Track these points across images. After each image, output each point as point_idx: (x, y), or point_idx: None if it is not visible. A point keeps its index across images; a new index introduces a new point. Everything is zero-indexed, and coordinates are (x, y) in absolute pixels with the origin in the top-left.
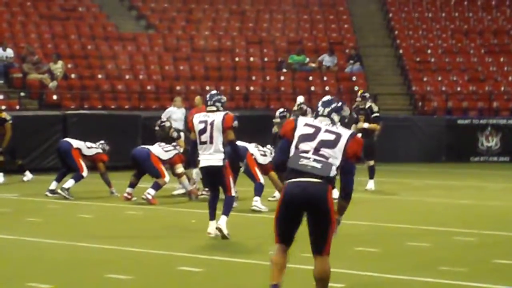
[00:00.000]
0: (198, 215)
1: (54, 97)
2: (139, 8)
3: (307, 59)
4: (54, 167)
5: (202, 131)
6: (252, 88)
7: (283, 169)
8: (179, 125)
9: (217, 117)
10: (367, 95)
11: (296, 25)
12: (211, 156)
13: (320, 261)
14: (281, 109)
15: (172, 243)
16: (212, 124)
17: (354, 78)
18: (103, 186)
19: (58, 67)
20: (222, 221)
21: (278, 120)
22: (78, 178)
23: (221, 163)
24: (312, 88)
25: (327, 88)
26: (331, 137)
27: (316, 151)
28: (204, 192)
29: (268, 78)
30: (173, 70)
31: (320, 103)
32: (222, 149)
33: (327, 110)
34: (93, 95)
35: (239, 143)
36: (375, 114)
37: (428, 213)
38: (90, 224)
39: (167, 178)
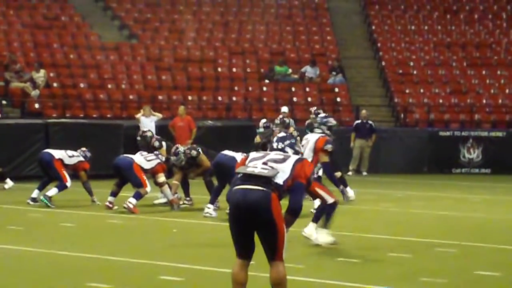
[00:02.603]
0: (180, 224)
1: (36, 105)
2: (122, 17)
3: (290, 70)
4: (36, 175)
5: None
6: (234, 99)
7: None
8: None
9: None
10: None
11: (279, 36)
12: None
13: (274, 267)
14: (264, 120)
15: (154, 252)
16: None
17: (336, 90)
18: (84, 194)
19: (40, 75)
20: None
21: (261, 130)
22: (61, 188)
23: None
24: (295, 99)
25: (309, 99)
26: (280, 156)
27: (264, 164)
28: (186, 202)
29: (250, 88)
30: (155, 80)
31: (275, 139)
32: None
33: (281, 144)
34: (75, 104)
35: (227, 152)
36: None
37: (410, 224)
38: (71, 232)
39: (148, 188)
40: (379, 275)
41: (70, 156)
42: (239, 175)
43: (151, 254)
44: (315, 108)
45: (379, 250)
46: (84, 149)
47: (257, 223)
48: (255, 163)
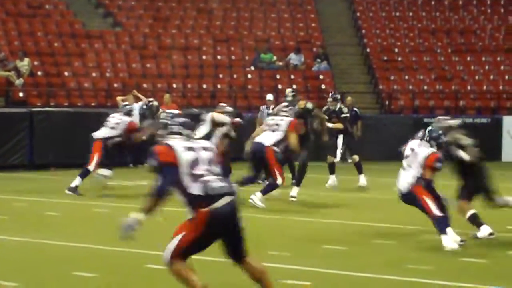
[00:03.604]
0: (166, 212)
1: (21, 94)
2: (106, 5)
3: (275, 58)
4: (20, 164)
5: None
6: (219, 86)
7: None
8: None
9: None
10: (338, 96)
11: (263, 24)
12: None
13: (251, 261)
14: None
15: (140, 241)
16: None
17: (321, 77)
18: (70, 183)
19: (24, 64)
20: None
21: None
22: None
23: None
24: (279, 86)
25: (294, 86)
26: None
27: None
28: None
29: (235, 76)
30: (140, 68)
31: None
32: None
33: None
34: (60, 93)
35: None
36: (344, 115)
37: (395, 212)
38: (57, 221)
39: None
40: (365, 262)
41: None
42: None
43: (137, 242)
44: (332, 92)
45: (365, 238)
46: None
47: (233, 230)
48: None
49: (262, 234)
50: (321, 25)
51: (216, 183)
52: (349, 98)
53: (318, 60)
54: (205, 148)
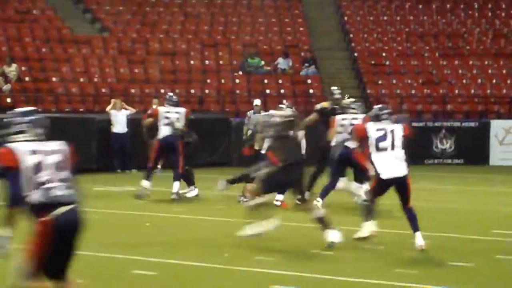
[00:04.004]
0: (153, 218)
1: (8, 100)
2: (94, 11)
3: (262, 62)
4: None
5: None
6: (207, 91)
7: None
8: (122, 128)
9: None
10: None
11: (251, 28)
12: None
13: (72, 285)
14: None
15: (126, 247)
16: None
17: (309, 81)
18: None
19: (12, 69)
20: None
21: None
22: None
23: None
24: (267, 91)
25: (282, 91)
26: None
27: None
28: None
29: (223, 81)
30: (128, 73)
31: None
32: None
33: None
34: (48, 98)
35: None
36: None
37: (382, 216)
38: None
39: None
40: (353, 267)
41: None
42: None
43: (124, 248)
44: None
45: (353, 242)
46: None
47: (70, 242)
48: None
49: (247, 239)
50: (309, 30)
51: (59, 190)
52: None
53: (306, 64)
54: (53, 151)
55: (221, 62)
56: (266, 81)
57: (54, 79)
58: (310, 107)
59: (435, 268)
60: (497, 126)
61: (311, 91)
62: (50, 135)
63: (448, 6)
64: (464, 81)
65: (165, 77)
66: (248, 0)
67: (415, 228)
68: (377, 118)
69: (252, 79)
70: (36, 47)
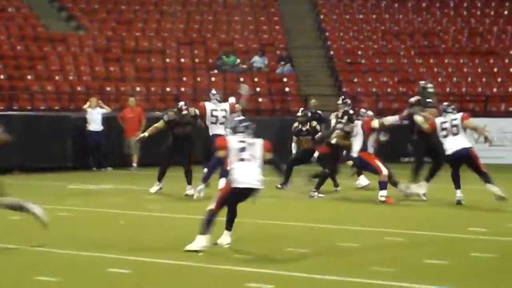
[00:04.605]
0: (127, 216)
1: None
2: (69, 9)
3: (238, 60)
4: None
5: None
6: (183, 89)
7: None
8: (97, 126)
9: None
10: (348, 101)
11: (227, 26)
12: None
13: None
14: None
15: (101, 245)
16: None
17: (285, 79)
18: (33, 187)
19: None
20: None
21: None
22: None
23: None
24: None
25: (258, 89)
26: None
27: None
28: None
29: (199, 79)
30: (103, 71)
31: None
32: None
33: None
34: (23, 96)
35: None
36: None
37: (358, 214)
38: (18, 225)
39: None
40: (328, 265)
41: None
42: None
43: (98, 246)
44: (343, 97)
45: (328, 240)
46: None
47: None
48: None
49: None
50: (285, 28)
51: None
52: (313, 100)
53: (282, 62)
54: None
55: (196, 60)
56: (241, 79)
57: (29, 77)
58: (285, 105)
59: (411, 266)
60: None
61: (286, 89)
62: (26, 133)
63: (423, 4)
64: (439, 79)
65: (140, 75)
66: None
67: None
68: None
69: (227, 77)
70: (11, 45)
